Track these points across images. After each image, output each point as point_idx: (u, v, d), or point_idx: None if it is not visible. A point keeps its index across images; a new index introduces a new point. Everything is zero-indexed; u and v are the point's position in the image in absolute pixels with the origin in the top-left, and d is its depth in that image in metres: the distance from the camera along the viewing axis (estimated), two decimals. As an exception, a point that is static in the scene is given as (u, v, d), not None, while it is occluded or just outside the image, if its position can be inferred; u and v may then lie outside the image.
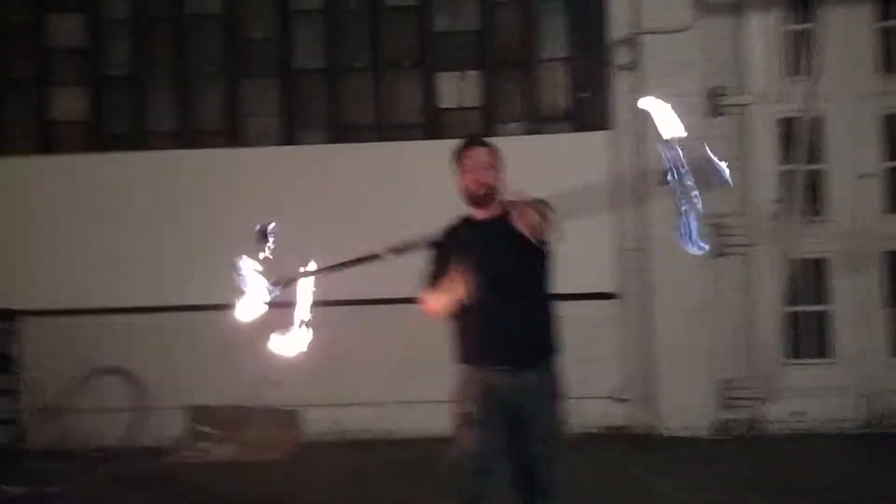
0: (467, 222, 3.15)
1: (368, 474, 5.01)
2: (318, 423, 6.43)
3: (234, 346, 6.49)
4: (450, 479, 3.02)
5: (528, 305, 3.05)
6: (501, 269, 2.96)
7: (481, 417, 2.97)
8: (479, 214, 3.12)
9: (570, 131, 6.70)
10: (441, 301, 2.96)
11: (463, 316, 3.02)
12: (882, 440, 6.08)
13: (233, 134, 6.82)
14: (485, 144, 3.20)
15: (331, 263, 3.03)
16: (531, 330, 3.06)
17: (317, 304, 6.86)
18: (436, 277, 3.05)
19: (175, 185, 6.61)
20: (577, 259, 6.32)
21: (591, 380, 6.40)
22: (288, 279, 3.00)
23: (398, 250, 3.00)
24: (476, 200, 3.10)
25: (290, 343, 2.99)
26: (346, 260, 3.01)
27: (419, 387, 5.90)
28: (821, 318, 6.49)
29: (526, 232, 2.83)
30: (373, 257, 3.00)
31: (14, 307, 6.08)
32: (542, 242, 2.99)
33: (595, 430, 6.40)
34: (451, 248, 3.05)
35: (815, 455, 5.74)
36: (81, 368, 6.52)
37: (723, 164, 2.50)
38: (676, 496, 4.82)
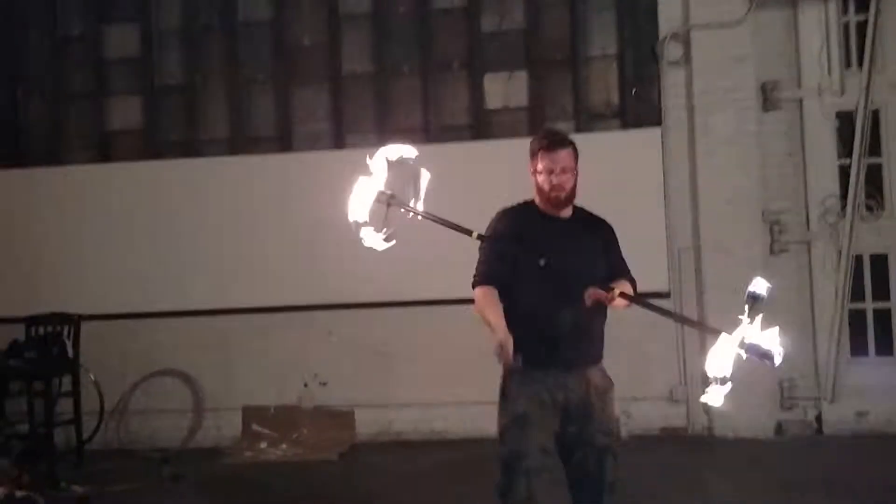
0: (540, 213, 3.07)
1: (421, 475, 5.02)
2: (371, 424, 6.47)
3: (289, 347, 6.62)
4: (502, 479, 2.99)
5: (590, 309, 3.00)
6: (569, 273, 2.93)
7: (537, 418, 2.95)
8: (553, 212, 3.07)
9: (619, 129, 6.63)
10: (491, 328, 2.87)
11: (524, 311, 2.97)
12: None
13: (284, 139, 6.91)
14: (566, 145, 3.03)
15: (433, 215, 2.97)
16: (591, 332, 3.09)
17: (368, 305, 6.92)
18: (498, 269, 2.98)
19: (229, 191, 6.72)
20: (632, 258, 6.26)
21: (649, 380, 6.34)
22: (391, 200, 2.94)
23: (484, 238, 2.96)
24: (552, 204, 3.03)
25: (378, 240, 2.88)
26: (448, 221, 2.93)
27: (471, 387, 5.88)
28: (884, 315, 6.29)
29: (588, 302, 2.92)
30: (467, 232, 2.91)
31: (75, 311, 6.25)
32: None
33: (653, 432, 6.33)
34: (520, 238, 3.00)
35: (878, 456, 5.58)
36: (141, 371, 6.68)
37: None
38: (735, 498, 4.73)
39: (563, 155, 3.00)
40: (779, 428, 6.21)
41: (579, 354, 3.03)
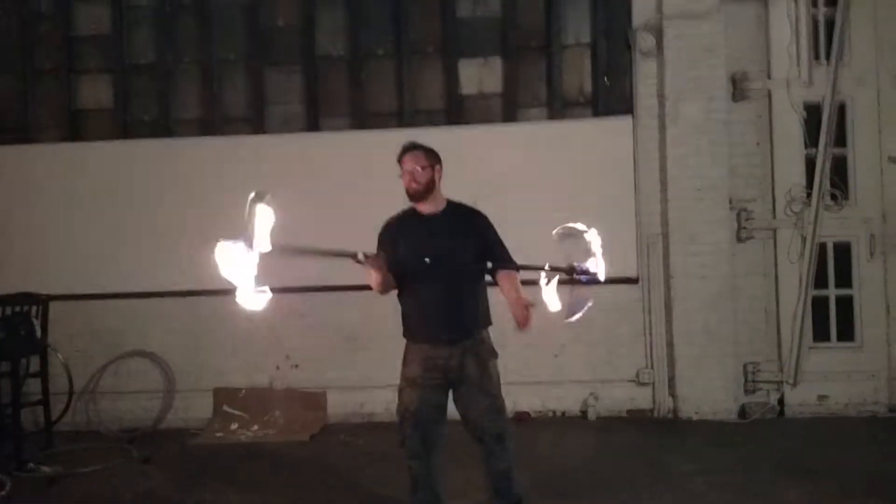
0: (413, 214, 3.73)
1: (392, 455, 5.04)
2: (342, 405, 6.52)
3: (261, 329, 6.61)
4: (399, 432, 3.68)
5: (461, 286, 3.65)
6: (438, 255, 3.58)
7: (422, 380, 3.63)
8: (423, 209, 3.71)
9: (592, 117, 6.69)
10: (371, 279, 3.53)
11: (407, 295, 3.69)
12: (907, 425, 6.07)
13: (257, 121, 6.87)
14: (413, 148, 3.73)
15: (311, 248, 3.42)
16: (464, 306, 3.67)
17: (341, 288, 6.94)
18: (377, 262, 3.50)
19: (200, 172, 6.68)
20: (602, 244, 6.37)
21: (616, 364, 6.46)
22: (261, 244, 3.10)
23: (367, 256, 3.38)
24: (411, 196, 3.68)
25: (252, 299, 3.15)
26: (329, 250, 3.35)
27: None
28: (846, 302, 6.45)
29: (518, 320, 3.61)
30: (351, 255, 3.34)
31: (43, 291, 6.19)
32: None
33: (620, 414, 6.45)
34: (396, 234, 3.67)
35: (839, 439, 5.75)
36: (110, 352, 6.64)
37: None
38: (700, 478, 4.85)
39: (410, 156, 3.69)
40: (742, 410, 6.36)
41: (455, 329, 3.64)
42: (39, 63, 7.03)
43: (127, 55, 6.97)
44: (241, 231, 3.06)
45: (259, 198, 3.16)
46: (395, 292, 3.73)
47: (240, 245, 3.03)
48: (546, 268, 3.46)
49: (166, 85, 6.94)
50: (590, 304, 3.47)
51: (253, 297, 3.10)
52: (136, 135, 6.89)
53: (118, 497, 4.89)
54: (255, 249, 3.03)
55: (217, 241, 3.06)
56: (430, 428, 3.66)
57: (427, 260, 3.57)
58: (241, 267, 3.04)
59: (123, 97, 6.96)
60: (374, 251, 3.53)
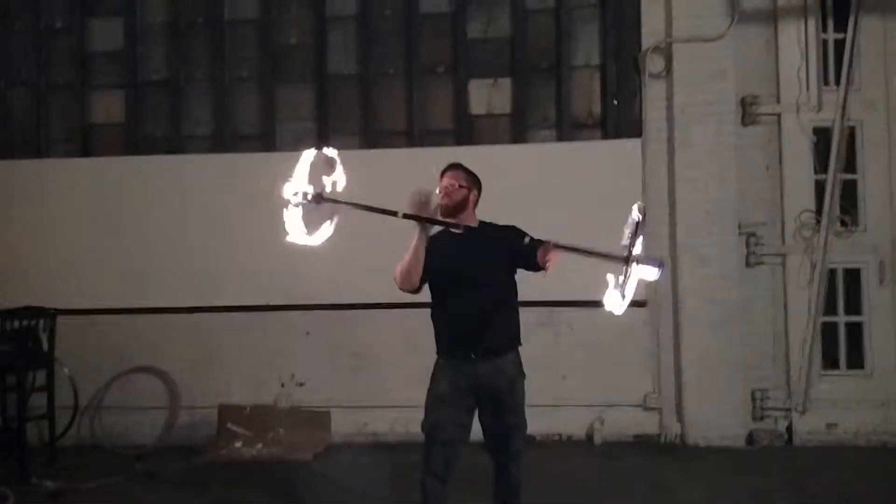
0: (447, 231, 3.71)
1: (396, 475, 5.03)
2: (347, 424, 6.48)
3: (266, 347, 6.61)
4: (423, 449, 3.67)
5: (494, 303, 3.66)
6: (471, 271, 3.60)
7: (452, 398, 3.63)
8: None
9: (601, 139, 6.70)
10: (404, 260, 3.56)
11: (438, 312, 3.72)
12: (917, 454, 6.00)
13: (268, 138, 6.91)
14: (452, 168, 3.80)
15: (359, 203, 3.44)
16: (495, 324, 3.66)
17: (347, 307, 6.95)
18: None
19: (211, 188, 6.71)
20: (606, 267, 6.35)
21: (623, 388, 6.41)
22: (320, 196, 3.38)
23: (411, 217, 3.46)
24: (446, 213, 3.68)
25: (313, 237, 3.34)
26: (372, 205, 3.41)
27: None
28: (855, 329, 6.41)
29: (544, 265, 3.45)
30: (391, 213, 3.41)
31: (51, 305, 6.21)
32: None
33: (626, 438, 6.39)
34: (430, 247, 3.63)
35: (847, 467, 5.68)
36: (116, 367, 6.64)
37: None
38: (706, 506, 4.80)
39: (449, 173, 3.76)
40: (750, 437, 6.30)
41: (486, 346, 3.63)
42: (53, 78, 7.10)
43: (140, 71, 7.03)
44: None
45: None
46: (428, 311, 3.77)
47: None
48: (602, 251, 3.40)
49: (178, 101, 6.99)
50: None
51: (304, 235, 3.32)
52: (147, 150, 6.93)
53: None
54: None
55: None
56: (454, 446, 3.66)
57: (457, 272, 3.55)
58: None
59: (136, 113, 7.01)
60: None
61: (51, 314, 6.15)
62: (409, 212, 3.45)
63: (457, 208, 3.70)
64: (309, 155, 3.41)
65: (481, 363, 3.63)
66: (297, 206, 3.32)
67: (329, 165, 3.44)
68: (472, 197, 3.76)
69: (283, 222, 3.33)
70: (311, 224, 3.34)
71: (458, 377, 3.64)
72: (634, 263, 3.28)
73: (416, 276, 3.62)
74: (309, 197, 3.33)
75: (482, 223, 3.77)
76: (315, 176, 3.39)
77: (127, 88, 7.03)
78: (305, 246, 3.36)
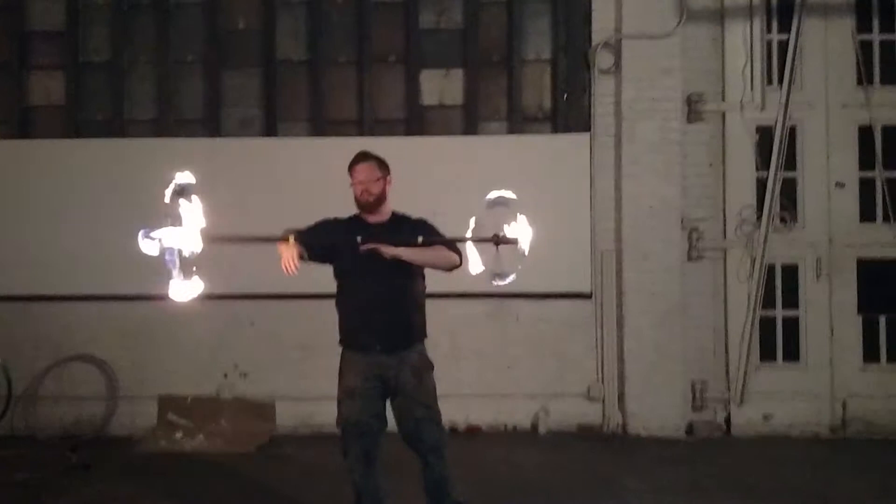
0: (359, 220, 3.73)
1: (340, 468, 4.98)
2: (291, 416, 6.42)
3: (209, 337, 6.50)
4: (342, 442, 3.70)
5: (399, 297, 3.66)
6: (375, 265, 3.53)
7: (361, 391, 3.65)
8: (369, 218, 3.72)
9: (550, 132, 6.74)
10: (282, 252, 3.53)
11: (343, 303, 3.74)
12: (849, 445, 6.20)
13: (212, 123, 6.77)
14: (367, 159, 3.74)
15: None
16: (401, 317, 3.68)
17: (292, 297, 6.89)
18: (303, 238, 3.56)
19: (152, 175, 6.49)
20: (554, 259, 6.40)
21: (566, 379, 6.49)
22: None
23: (298, 232, 3.50)
24: (362, 207, 3.69)
25: (183, 289, 3.39)
26: (255, 236, 3.56)
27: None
28: (792, 323, 6.59)
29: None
30: (282, 239, 3.50)
31: (-15, 293, 6.03)
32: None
33: (570, 429, 6.47)
34: (334, 231, 3.69)
35: (782, 458, 5.84)
36: (52, 356, 6.46)
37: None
38: (646, 496, 4.88)
39: (364, 167, 3.71)
40: (689, 428, 6.44)
41: (392, 339, 3.64)
42: (-9, 56, 6.85)
43: (81, 52, 6.82)
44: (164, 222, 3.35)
45: (181, 190, 3.40)
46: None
47: (164, 236, 3.33)
48: (470, 236, 3.53)
49: (121, 84, 6.80)
50: (515, 272, 3.49)
51: (183, 288, 3.32)
52: (88, 134, 6.75)
53: (55, 505, 4.75)
54: (179, 243, 3.33)
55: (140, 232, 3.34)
56: (371, 438, 3.69)
57: (359, 239, 3.51)
58: (169, 258, 3.30)
59: (76, 95, 6.80)
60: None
61: (-17, 301, 5.94)
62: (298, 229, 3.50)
63: (377, 202, 3.71)
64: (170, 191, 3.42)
65: (387, 356, 3.64)
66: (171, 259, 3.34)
67: (184, 193, 3.43)
68: (387, 186, 3.75)
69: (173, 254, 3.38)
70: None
71: (366, 368, 3.66)
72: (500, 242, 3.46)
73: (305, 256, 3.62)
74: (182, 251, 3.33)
75: (395, 214, 3.77)
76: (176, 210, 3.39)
77: (68, 69, 6.82)
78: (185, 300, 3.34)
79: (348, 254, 3.60)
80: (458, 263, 3.66)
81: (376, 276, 3.57)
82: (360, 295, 3.64)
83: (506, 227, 3.47)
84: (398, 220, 3.77)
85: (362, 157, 3.76)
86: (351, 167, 3.74)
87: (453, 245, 3.68)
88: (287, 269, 3.51)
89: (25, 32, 6.85)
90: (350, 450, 3.69)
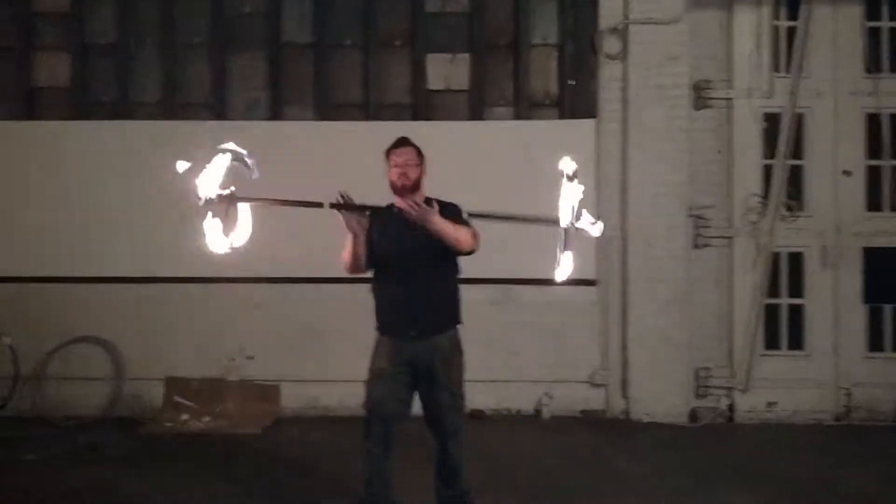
0: (391, 207, 3.71)
1: (344, 450, 5.02)
2: (297, 398, 6.46)
3: (216, 319, 6.53)
4: (364, 425, 3.75)
5: (433, 283, 3.69)
6: (411, 251, 3.59)
7: (390, 375, 3.70)
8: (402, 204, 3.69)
9: (557, 118, 6.72)
10: (346, 249, 3.64)
11: (379, 288, 3.75)
12: (853, 433, 6.21)
13: (218, 106, 6.76)
14: (407, 144, 3.80)
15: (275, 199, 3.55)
16: (434, 302, 3.71)
17: (299, 280, 6.89)
18: (348, 205, 3.61)
19: (159, 157, 6.53)
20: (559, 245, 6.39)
21: (570, 365, 6.50)
22: (228, 197, 3.47)
23: (339, 206, 3.53)
24: (399, 191, 3.69)
25: (221, 241, 3.42)
26: (291, 199, 3.53)
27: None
28: (798, 311, 6.58)
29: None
30: (316, 204, 3.51)
31: (-7, 273, 6.05)
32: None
33: (573, 414, 6.49)
34: (375, 222, 3.68)
35: (785, 445, 5.86)
36: (59, 337, 6.48)
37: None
38: (648, 481, 4.92)
39: (404, 151, 3.75)
40: (693, 415, 6.46)
41: (424, 324, 3.66)
42: (-4, 38, 6.84)
43: (87, 34, 6.81)
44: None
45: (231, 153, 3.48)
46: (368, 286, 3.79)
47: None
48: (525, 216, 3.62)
49: (126, 67, 6.79)
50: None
51: (220, 240, 3.38)
52: (93, 116, 6.74)
53: (62, 485, 4.79)
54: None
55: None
56: (394, 421, 3.74)
57: (395, 208, 3.52)
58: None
59: (82, 77, 6.80)
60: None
61: (-9, 282, 5.97)
62: (339, 203, 3.52)
63: (414, 187, 3.71)
64: (223, 159, 3.50)
65: (418, 341, 3.68)
66: (207, 207, 3.40)
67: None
68: (423, 174, 3.79)
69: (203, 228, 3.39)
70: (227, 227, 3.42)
71: (397, 354, 3.70)
72: (570, 224, 3.39)
73: (363, 262, 3.70)
74: (217, 198, 3.41)
75: (427, 199, 3.75)
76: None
77: (73, 51, 6.81)
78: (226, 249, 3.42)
79: (385, 237, 3.64)
80: (475, 249, 3.69)
81: (412, 261, 3.61)
82: (395, 280, 3.67)
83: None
84: (431, 203, 3.69)
85: (402, 142, 3.80)
86: (390, 151, 3.77)
87: (474, 232, 3.70)
88: (354, 231, 3.59)
89: (31, 14, 6.83)
90: (372, 432, 3.73)
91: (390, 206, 3.71)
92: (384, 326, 3.76)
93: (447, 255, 3.68)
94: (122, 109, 6.76)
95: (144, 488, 4.76)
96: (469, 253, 3.68)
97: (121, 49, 6.79)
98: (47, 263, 6.50)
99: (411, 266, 3.62)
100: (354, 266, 3.73)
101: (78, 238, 6.49)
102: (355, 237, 3.64)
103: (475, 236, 3.69)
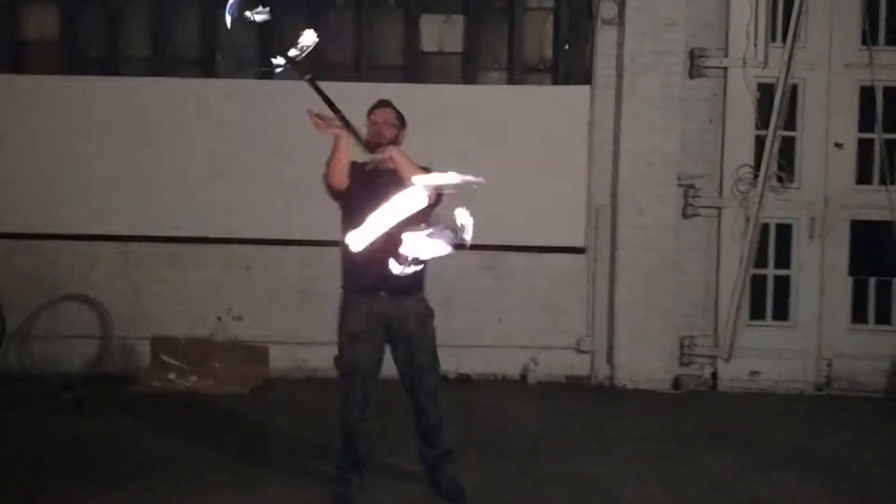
0: (364, 166, 3.77)
1: (331, 411, 5.06)
2: (285, 359, 6.48)
3: (204, 279, 6.52)
4: (342, 386, 3.82)
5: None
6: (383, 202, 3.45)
7: (365, 335, 3.75)
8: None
9: (551, 84, 6.67)
10: (334, 157, 3.65)
11: (349, 251, 3.47)
12: (833, 402, 6.31)
13: (208, 64, 6.67)
14: (385, 105, 3.90)
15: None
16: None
17: (288, 242, 6.86)
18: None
19: (146, 114, 6.48)
20: (549, 213, 6.41)
21: (558, 331, 6.55)
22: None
23: (348, 127, 3.57)
24: (371, 148, 3.71)
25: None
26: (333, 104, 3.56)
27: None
28: (784, 282, 6.63)
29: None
30: (336, 109, 3.55)
31: (-23, 230, 6.00)
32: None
33: (559, 380, 6.55)
34: (351, 180, 3.71)
35: (767, 413, 5.95)
36: (46, 295, 6.46)
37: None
38: (631, 445, 4.99)
39: (381, 111, 3.85)
40: (676, 382, 6.53)
41: (395, 285, 3.50)
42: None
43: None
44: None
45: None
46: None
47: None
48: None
49: (115, 21, 6.67)
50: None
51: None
52: (81, 71, 6.63)
53: (47, 442, 4.81)
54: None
55: None
56: (371, 381, 3.81)
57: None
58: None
59: (70, 31, 6.67)
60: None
61: (-24, 238, 5.92)
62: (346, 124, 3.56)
63: (389, 144, 3.75)
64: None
65: (391, 301, 3.73)
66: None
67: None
68: (400, 137, 3.86)
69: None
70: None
71: (370, 313, 3.75)
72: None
73: (344, 175, 3.70)
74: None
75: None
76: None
77: (61, 4, 6.67)
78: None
79: (359, 193, 3.62)
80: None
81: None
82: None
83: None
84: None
85: (383, 103, 3.91)
86: (370, 111, 3.87)
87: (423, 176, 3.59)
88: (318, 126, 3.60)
89: (16, -35, 6.69)
90: (351, 393, 3.80)
91: (364, 164, 3.77)
92: (353, 284, 3.79)
93: (420, 216, 3.66)
94: (111, 65, 6.65)
95: (130, 444, 4.79)
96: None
97: (110, 2, 6.66)
98: (33, 220, 6.44)
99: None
100: (337, 176, 3.69)
101: (65, 195, 6.42)
102: (345, 142, 3.63)
103: (325, 173, 3.74)
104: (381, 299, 3.74)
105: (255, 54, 6.67)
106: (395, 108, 3.91)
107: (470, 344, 6.40)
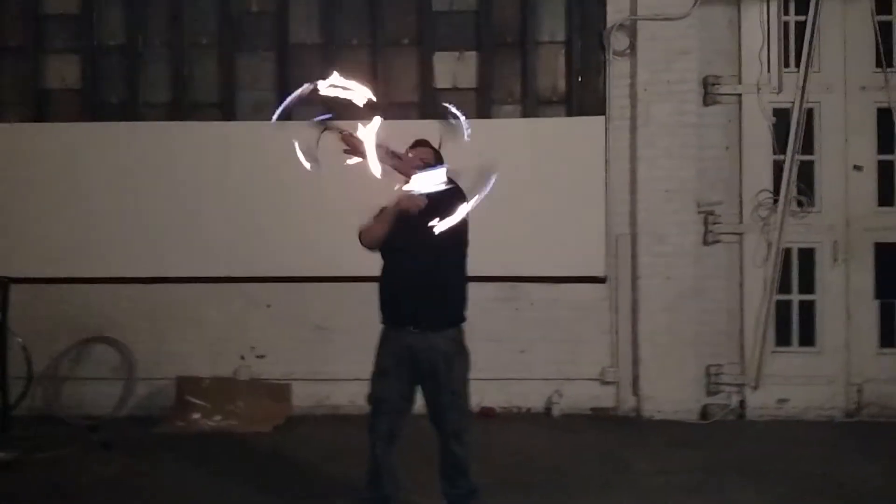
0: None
1: (355, 448, 5.04)
2: (308, 397, 6.48)
3: (226, 319, 6.56)
4: (369, 419, 3.85)
5: (438, 277, 3.74)
6: (418, 244, 3.60)
7: (393, 371, 3.79)
8: None
9: (565, 115, 6.70)
10: (378, 218, 3.72)
11: (385, 278, 3.83)
12: (864, 429, 6.18)
13: (227, 107, 6.78)
14: (425, 145, 4.00)
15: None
16: (436, 298, 3.75)
17: (308, 279, 6.89)
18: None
19: (167, 158, 6.60)
20: (569, 242, 6.41)
21: (580, 362, 6.50)
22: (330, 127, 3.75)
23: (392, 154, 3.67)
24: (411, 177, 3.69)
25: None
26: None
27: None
28: (809, 307, 6.55)
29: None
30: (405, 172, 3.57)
31: (4, 274, 6.07)
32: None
33: (583, 411, 6.49)
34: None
35: (796, 442, 5.84)
36: (71, 337, 6.53)
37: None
38: (659, 478, 4.91)
39: (422, 150, 3.94)
40: (703, 411, 6.43)
41: (426, 321, 3.73)
42: (6, 40, 6.87)
43: (96, 35, 6.84)
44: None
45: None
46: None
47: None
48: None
49: (135, 67, 6.82)
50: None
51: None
52: (103, 117, 6.77)
53: (76, 482, 4.83)
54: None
55: None
56: (398, 417, 3.82)
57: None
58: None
59: (92, 78, 6.83)
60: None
61: (4, 283, 6.01)
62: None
63: None
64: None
65: (418, 337, 3.75)
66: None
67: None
68: None
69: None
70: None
71: (399, 349, 3.79)
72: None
73: (383, 241, 3.77)
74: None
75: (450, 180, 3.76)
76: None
77: (83, 53, 6.84)
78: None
79: (397, 227, 3.69)
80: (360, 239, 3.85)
81: (419, 253, 3.66)
82: (399, 271, 3.77)
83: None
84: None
85: (423, 142, 4.01)
86: (412, 146, 3.98)
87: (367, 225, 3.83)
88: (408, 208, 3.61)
89: (40, 15, 6.87)
90: (376, 426, 3.82)
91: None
92: (386, 317, 3.85)
93: (452, 246, 3.71)
94: (132, 110, 6.78)
95: (158, 484, 4.80)
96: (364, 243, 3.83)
97: (130, 50, 6.81)
98: (56, 265, 6.53)
99: (417, 257, 3.67)
100: (374, 239, 3.77)
101: (86, 239, 6.52)
102: (391, 210, 3.68)
103: (362, 230, 3.82)
104: (410, 334, 3.76)
105: (273, 97, 6.78)
106: (433, 149, 3.98)
107: (492, 377, 6.36)
